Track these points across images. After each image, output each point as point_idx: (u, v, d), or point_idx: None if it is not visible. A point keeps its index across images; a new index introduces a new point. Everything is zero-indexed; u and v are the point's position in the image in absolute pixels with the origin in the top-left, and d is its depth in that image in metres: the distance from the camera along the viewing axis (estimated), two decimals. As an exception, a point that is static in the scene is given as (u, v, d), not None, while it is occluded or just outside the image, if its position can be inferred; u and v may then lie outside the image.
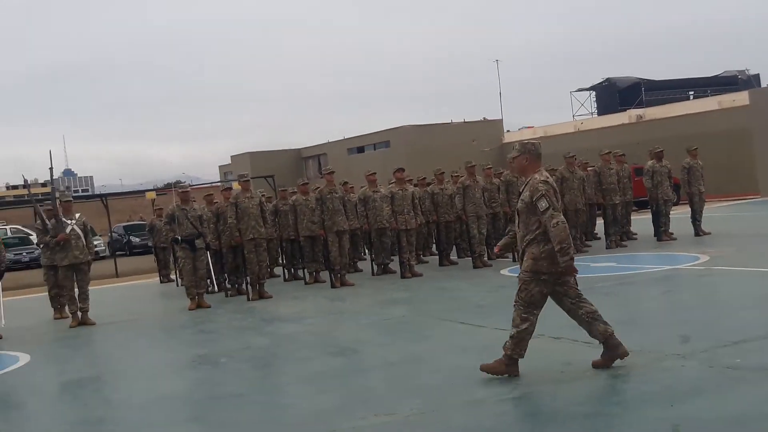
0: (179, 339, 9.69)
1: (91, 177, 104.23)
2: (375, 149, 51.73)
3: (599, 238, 16.08)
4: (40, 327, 11.62)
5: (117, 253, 27.88)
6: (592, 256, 13.65)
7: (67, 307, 11.68)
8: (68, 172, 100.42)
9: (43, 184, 49.66)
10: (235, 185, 13.65)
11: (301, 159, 60.05)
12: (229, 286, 13.40)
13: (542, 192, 5.67)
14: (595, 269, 11.73)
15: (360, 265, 15.41)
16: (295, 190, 14.65)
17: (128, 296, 15.60)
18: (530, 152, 5.94)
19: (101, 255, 26.77)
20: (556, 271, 5.70)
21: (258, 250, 12.42)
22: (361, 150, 53.55)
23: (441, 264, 14.66)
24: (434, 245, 15.96)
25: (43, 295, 13.00)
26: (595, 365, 5.76)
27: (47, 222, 11.55)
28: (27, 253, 28.87)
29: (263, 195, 13.87)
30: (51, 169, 11.91)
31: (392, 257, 14.12)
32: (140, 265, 22.49)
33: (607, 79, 54.77)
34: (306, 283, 13.84)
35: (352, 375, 6.57)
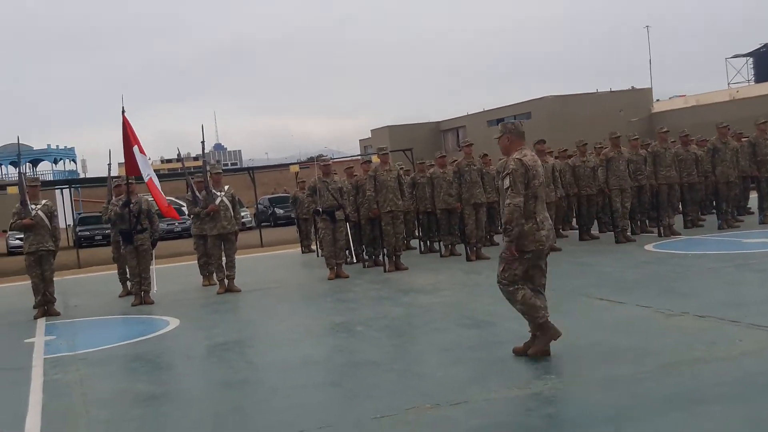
0: (318, 307, 9.97)
1: (240, 151, 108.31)
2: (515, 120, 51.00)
3: (752, 213, 15.20)
4: (189, 293, 12.24)
5: (262, 224, 28.94)
6: (744, 231, 12.92)
7: (214, 275, 12.26)
8: (219, 146, 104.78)
9: (195, 158, 52.12)
10: (374, 158, 13.82)
11: (439, 132, 60.05)
12: (366, 257, 13.64)
13: (509, 171, 5.83)
14: (748, 245, 11.10)
15: (497, 238, 15.28)
16: (433, 163, 14.67)
17: (272, 265, 16.17)
18: (511, 132, 6.16)
19: (247, 226, 27.86)
20: (537, 249, 5.82)
21: (395, 222, 12.56)
22: (501, 122, 52.90)
23: (581, 239, 14.31)
24: (574, 219, 15.59)
25: (193, 263, 13.68)
26: (515, 351, 5.93)
27: (198, 194, 12.16)
28: (179, 223, 30.47)
29: (401, 168, 13.99)
30: (203, 143, 12.49)
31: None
32: (283, 236, 23.27)
33: (766, 45, 51.32)
34: (441, 256, 13.87)
35: (487, 347, 6.54)
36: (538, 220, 5.87)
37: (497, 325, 7.52)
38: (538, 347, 5.85)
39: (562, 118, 44.55)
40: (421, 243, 15.32)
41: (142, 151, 11.18)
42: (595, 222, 14.89)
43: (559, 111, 46.33)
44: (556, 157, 14.84)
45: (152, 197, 11.49)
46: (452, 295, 9.63)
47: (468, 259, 12.69)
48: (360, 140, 68.59)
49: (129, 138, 11.08)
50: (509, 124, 6.27)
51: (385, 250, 12.72)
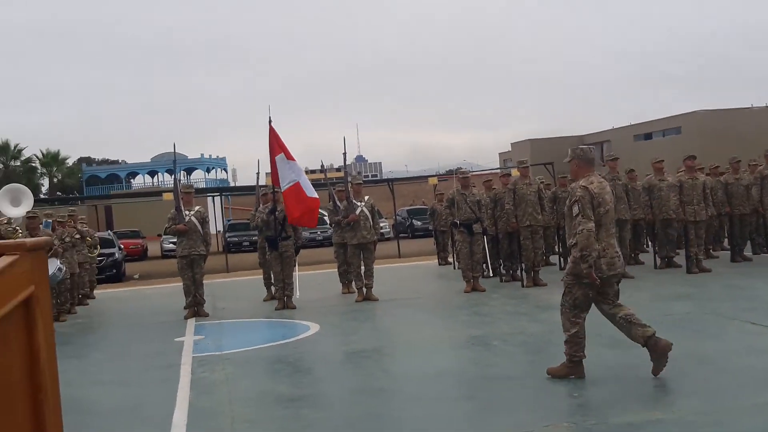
0: (455, 319, 9.96)
1: (380, 163, 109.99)
2: (664, 136, 49.14)
3: None
4: (329, 300, 12.53)
5: (400, 235, 29.26)
6: None
7: (353, 283, 12.51)
8: (360, 158, 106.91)
9: (338, 169, 53.43)
10: (514, 171, 13.69)
11: (583, 146, 58.69)
12: (504, 271, 13.50)
13: (577, 197, 5.93)
14: None
15: (642, 257, 14.75)
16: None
17: (409, 276, 16.30)
18: (580, 157, 6.22)
19: (386, 236, 28.24)
20: (600, 277, 5.84)
21: (534, 236, 12.38)
22: (648, 136, 51.15)
23: (733, 260, 13.59)
24: (726, 239, 14.82)
25: (333, 271, 14.01)
26: (654, 373, 5.74)
27: (339, 203, 12.46)
28: (321, 231, 31.29)
29: (542, 182, 13.77)
30: (344, 154, 12.78)
31: (678, 251, 13.34)
32: (421, 248, 23.42)
33: None
34: (583, 273, 13.50)
35: (627, 368, 6.32)
36: (599, 247, 5.91)
37: (638, 346, 7.24)
38: (560, 371, 6.04)
39: (714, 133, 42.49)
40: (561, 259, 15.01)
41: (289, 157, 11.50)
42: (749, 243, 14.10)
43: (711, 126, 44.23)
44: (707, 174, 14.17)
45: (285, 205, 11.67)
46: (591, 313, 9.35)
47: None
48: (499, 153, 68.08)
49: (274, 147, 11.48)
50: (578, 150, 6.35)
51: (523, 265, 12.55)
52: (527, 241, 12.31)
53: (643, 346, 5.86)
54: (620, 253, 6.16)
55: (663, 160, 13.32)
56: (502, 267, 13.56)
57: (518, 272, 12.87)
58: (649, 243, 15.05)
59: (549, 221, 13.69)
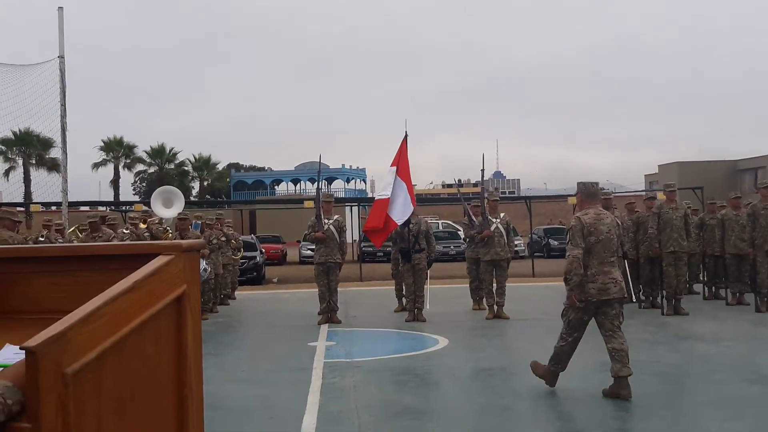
0: (586, 343, 9.66)
1: (519, 180, 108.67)
2: (825, 163, 46.02)
3: None
4: (459, 315, 12.51)
5: (535, 254, 28.80)
6: None
7: (484, 300, 12.44)
8: (498, 174, 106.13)
9: (474, 185, 53.28)
10: (660, 195, 13.21)
11: (736, 171, 55.83)
12: (643, 297, 13.05)
13: (571, 226, 6.57)
14: None
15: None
16: (725, 204, 13.70)
17: (542, 296, 16.02)
18: (582, 192, 6.85)
19: (520, 254, 27.86)
20: (589, 300, 6.42)
21: (678, 263, 11.90)
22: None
23: None
24: None
25: (465, 286, 13.97)
26: (603, 392, 6.43)
27: (474, 219, 12.45)
28: (454, 246, 31.26)
29: (689, 207, 13.23)
30: (482, 170, 12.77)
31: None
32: (556, 268, 22.92)
33: None
34: (728, 304, 12.87)
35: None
36: (589, 273, 6.45)
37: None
38: (540, 370, 6.80)
39: None
40: (706, 288, 14.33)
41: (403, 174, 11.49)
42: None
43: None
44: None
45: (371, 212, 11.72)
46: (736, 347, 8.91)
47: (758, 310, 11.66)
48: (645, 175, 65.75)
49: (395, 159, 11.60)
50: (581, 185, 6.95)
51: (664, 292, 12.08)
52: (670, 267, 11.85)
53: (612, 376, 6.41)
54: (618, 280, 6.57)
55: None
56: (641, 293, 13.11)
57: (659, 299, 12.40)
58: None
59: (694, 248, 13.11)
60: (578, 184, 7.00)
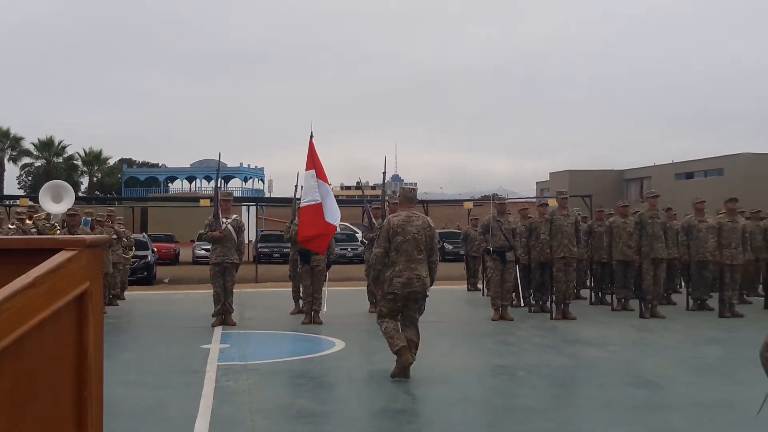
0: (480, 347, 9.92)
1: (416, 183, 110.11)
2: (705, 176, 48.67)
3: None
4: (356, 317, 12.52)
5: (431, 257, 29.13)
6: None
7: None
8: (396, 178, 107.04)
9: (373, 187, 53.60)
10: (552, 202, 13.63)
11: (623, 181, 58.28)
12: (533, 302, 13.42)
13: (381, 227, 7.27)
14: None
15: (675, 297, 14.57)
16: (613, 212, 14.27)
17: (436, 300, 16.12)
18: (401, 195, 7.79)
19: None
20: (395, 293, 7.27)
21: (568, 269, 12.31)
22: (690, 176, 50.66)
23: (767, 307, 13.36)
24: (761, 286, 14.60)
25: (362, 288, 14.01)
26: (391, 374, 7.31)
27: (375, 221, 12.51)
28: (351, 248, 31.35)
29: (579, 214, 13.70)
30: (384, 173, 12.85)
31: (711, 293, 13.18)
32: (451, 271, 23.29)
33: None
34: (613, 309, 13.39)
35: (653, 410, 6.25)
36: (396, 269, 7.22)
37: (666, 388, 7.17)
38: (395, 370, 7.27)
39: (758, 177, 41.95)
40: (593, 293, 14.87)
41: (321, 176, 11.52)
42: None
43: (754, 170, 43.68)
44: (747, 218, 14.00)
45: (299, 221, 11.64)
46: (621, 351, 9.28)
47: (641, 316, 12.18)
48: (537, 182, 67.86)
49: (308, 162, 11.54)
50: (402, 190, 7.86)
51: (553, 297, 12.47)
52: (560, 272, 12.24)
53: (393, 354, 7.25)
54: (422, 276, 7.29)
55: (704, 201, 13.19)
56: (532, 297, 13.48)
57: (548, 304, 12.78)
58: (683, 284, 14.87)
59: (583, 254, 13.59)
60: (401, 188, 7.92)
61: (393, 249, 7.23)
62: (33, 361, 1.64)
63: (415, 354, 7.28)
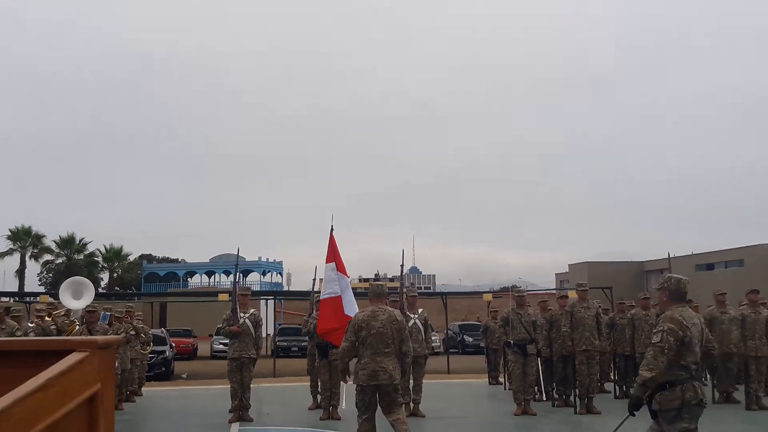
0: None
1: (434, 275, 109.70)
2: (726, 267, 48.27)
3: None
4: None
5: (450, 350, 28.81)
6: None
7: (401, 397, 12.27)
8: (414, 269, 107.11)
9: (392, 279, 53.56)
10: (571, 294, 13.53)
11: (642, 272, 57.86)
12: (556, 396, 13.15)
13: (345, 328, 7.64)
14: None
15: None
16: (634, 304, 14.11)
17: (458, 393, 15.96)
18: (370, 290, 7.93)
19: (435, 350, 27.82)
20: (361, 385, 7.45)
21: (590, 362, 12.09)
22: (710, 267, 50.27)
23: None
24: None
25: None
26: None
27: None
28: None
29: (600, 306, 13.56)
30: (402, 265, 12.86)
31: (737, 386, 12.86)
32: (471, 364, 22.99)
33: None
34: (639, 403, 13.06)
35: None
36: (362, 362, 7.47)
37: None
38: None
39: (779, 266, 41.56)
40: (617, 387, 14.56)
41: (341, 270, 11.52)
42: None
43: (775, 259, 43.32)
44: (770, 309, 13.78)
45: (319, 313, 11.57)
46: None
47: (667, 410, 11.86)
48: (556, 274, 67.43)
49: (329, 255, 11.56)
50: (371, 285, 8.08)
51: (577, 391, 12.21)
52: (583, 366, 12.03)
53: None
54: (387, 369, 7.40)
55: (725, 293, 13.05)
56: (555, 391, 13.21)
57: (571, 398, 12.51)
58: (708, 376, 14.54)
59: (605, 347, 13.38)
60: (370, 284, 8.19)
61: (359, 343, 7.51)
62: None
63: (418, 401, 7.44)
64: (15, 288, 48.08)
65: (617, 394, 14.38)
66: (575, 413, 11.84)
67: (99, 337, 1.92)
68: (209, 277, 67.80)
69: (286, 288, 60.43)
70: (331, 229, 11.69)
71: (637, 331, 13.24)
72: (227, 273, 61.59)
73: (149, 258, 76.35)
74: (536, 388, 12.77)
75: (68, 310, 13.68)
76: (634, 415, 5.91)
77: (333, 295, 11.19)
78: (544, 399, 13.43)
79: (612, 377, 14.99)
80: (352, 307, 11.34)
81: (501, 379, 16.98)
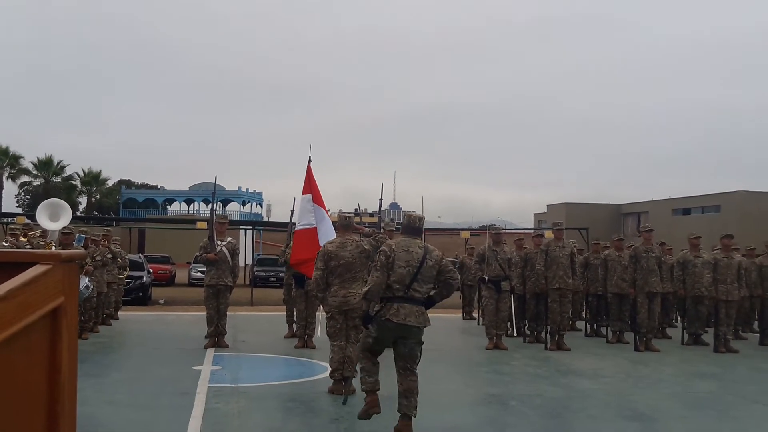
0: (474, 375, 9.86)
1: (414, 211, 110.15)
2: (702, 213, 48.78)
3: None
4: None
5: (428, 285, 29.03)
6: None
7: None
8: (395, 206, 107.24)
9: (371, 214, 53.70)
10: (548, 234, 13.64)
11: (619, 215, 58.35)
12: (528, 332, 13.38)
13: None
14: None
15: (670, 331, 14.53)
16: (608, 245, 14.26)
17: (432, 328, 15.98)
18: (338, 222, 8.41)
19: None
20: (333, 312, 7.90)
21: (563, 300, 12.27)
22: (687, 212, 50.77)
23: (762, 343, 13.34)
24: (756, 322, 14.57)
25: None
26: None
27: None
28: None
29: (575, 246, 13.69)
30: (380, 200, 12.84)
31: (706, 329, 13.14)
32: (447, 300, 23.24)
33: None
34: (608, 342, 13.35)
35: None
36: (333, 289, 7.89)
37: (659, 421, 7.12)
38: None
39: (753, 214, 42.04)
40: (587, 325, 14.83)
41: (317, 201, 11.45)
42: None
43: (750, 207, 43.79)
44: (743, 255, 14.00)
45: (293, 244, 11.56)
46: (614, 384, 9.23)
47: (636, 349, 12.13)
48: (534, 214, 67.87)
49: (305, 187, 11.51)
50: (339, 217, 8.36)
51: (548, 328, 12.42)
52: (555, 303, 12.21)
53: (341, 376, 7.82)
54: (358, 293, 7.59)
55: (700, 237, 13.20)
56: (526, 327, 13.44)
57: (542, 334, 12.73)
58: (678, 318, 14.83)
59: (578, 286, 13.57)
60: (338, 215, 8.55)
61: (329, 272, 7.89)
62: (2, 375, 1.61)
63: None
64: (-8, 209, 47.69)
65: (588, 332, 14.64)
66: (545, 349, 12.07)
67: (63, 251, 1.91)
68: (188, 205, 67.51)
69: (266, 219, 60.37)
70: (309, 161, 11.61)
71: (610, 272, 13.42)
72: (206, 202, 61.33)
73: (128, 184, 75.86)
74: (508, 323, 12.98)
75: (44, 231, 13.59)
76: (367, 328, 6.60)
77: (308, 227, 11.17)
78: (516, 335, 13.66)
79: (584, 316, 15.25)
80: (329, 239, 11.35)
81: (474, 314, 17.22)
